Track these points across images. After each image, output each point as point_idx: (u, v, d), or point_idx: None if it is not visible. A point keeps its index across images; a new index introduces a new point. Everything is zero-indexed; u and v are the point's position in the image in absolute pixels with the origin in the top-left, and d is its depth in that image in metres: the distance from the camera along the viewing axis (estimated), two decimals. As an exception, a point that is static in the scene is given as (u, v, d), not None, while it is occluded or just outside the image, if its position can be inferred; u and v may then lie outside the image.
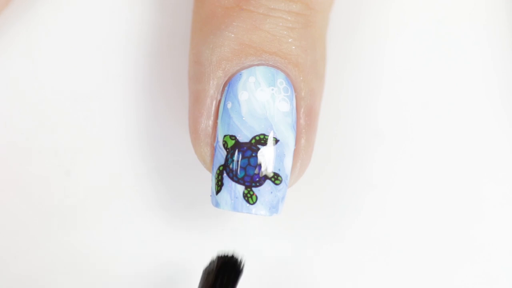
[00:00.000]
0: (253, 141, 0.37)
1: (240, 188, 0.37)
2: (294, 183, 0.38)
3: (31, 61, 0.42)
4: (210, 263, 0.37)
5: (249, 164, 0.37)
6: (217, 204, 0.37)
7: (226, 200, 0.37)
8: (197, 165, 0.39)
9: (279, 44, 0.37)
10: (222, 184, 0.37)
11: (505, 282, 0.42)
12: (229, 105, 0.37)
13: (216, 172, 0.37)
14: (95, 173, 0.42)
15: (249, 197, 0.37)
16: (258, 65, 0.37)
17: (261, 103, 0.37)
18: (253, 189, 0.37)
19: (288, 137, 0.37)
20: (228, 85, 0.37)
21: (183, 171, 0.42)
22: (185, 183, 0.42)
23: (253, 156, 0.37)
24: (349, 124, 0.42)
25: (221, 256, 0.36)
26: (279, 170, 0.37)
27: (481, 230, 0.42)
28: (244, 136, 0.37)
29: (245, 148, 0.37)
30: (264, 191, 0.37)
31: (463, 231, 0.42)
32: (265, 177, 0.37)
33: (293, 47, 0.38)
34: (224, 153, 0.37)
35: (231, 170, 0.37)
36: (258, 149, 0.37)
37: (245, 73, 0.37)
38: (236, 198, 0.37)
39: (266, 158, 0.37)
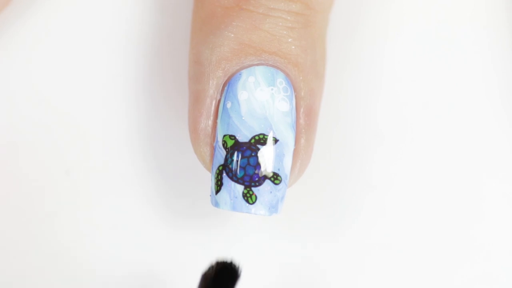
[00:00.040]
0: (253, 140, 0.37)
1: (240, 188, 0.37)
2: (293, 183, 0.38)
3: (31, 60, 0.42)
4: (209, 268, 0.37)
5: (248, 163, 0.36)
6: (216, 204, 0.37)
7: (226, 200, 0.37)
8: (196, 165, 0.39)
9: (279, 44, 0.37)
10: (221, 184, 0.37)
11: (505, 282, 0.42)
12: (228, 105, 0.37)
13: (216, 172, 0.37)
14: (95, 173, 0.42)
15: (248, 197, 0.37)
16: (257, 65, 0.37)
17: (260, 103, 0.37)
18: (253, 189, 0.36)
19: (287, 137, 0.37)
20: (228, 85, 0.37)
21: (182, 171, 0.42)
22: (185, 183, 0.42)
23: (253, 156, 0.37)
24: (349, 124, 0.42)
25: (220, 262, 0.36)
26: (279, 170, 0.37)
27: (481, 230, 0.42)
28: (244, 136, 0.37)
29: (244, 147, 0.37)
30: (263, 191, 0.37)
31: (463, 231, 0.42)
32: (265, 177, 0.37)
33: (293, 47, 0.37)
34: (223, 153, 0.37)
35: (231, 170, 0.37)
36: (258, 149, 0.37)
37: (244, 73, 0.37)
38: (236, 198, 0.37)
39: (266, 158, 0.37)
